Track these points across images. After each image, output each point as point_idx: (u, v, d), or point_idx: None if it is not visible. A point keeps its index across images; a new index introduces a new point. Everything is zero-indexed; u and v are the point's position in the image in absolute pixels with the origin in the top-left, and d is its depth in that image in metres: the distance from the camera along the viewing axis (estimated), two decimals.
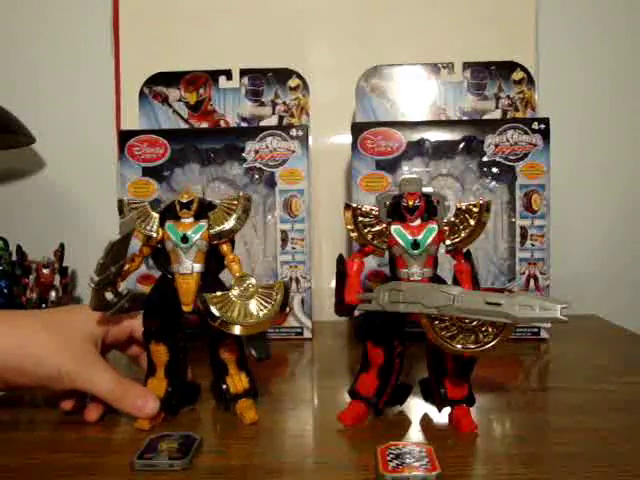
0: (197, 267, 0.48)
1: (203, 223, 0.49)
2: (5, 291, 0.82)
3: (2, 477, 0.40)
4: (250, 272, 0.78)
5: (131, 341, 0.54)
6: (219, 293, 0.47)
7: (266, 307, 0.46)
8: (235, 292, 0.47)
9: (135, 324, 0.51)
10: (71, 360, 0.46)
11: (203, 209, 0.49)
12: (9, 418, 0.51)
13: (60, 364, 0.46)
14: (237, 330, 0.46)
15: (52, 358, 0.46)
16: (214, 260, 0.50)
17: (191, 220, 0.49)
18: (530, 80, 0.86)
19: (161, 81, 0.89)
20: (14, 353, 0.45)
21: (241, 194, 0.51)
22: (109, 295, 0.48)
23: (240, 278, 0.47)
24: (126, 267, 0.49)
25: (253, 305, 0.46)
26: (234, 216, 0.49)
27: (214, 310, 0.46)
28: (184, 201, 0.49)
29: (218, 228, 0.49)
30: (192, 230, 0.48)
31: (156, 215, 0.49)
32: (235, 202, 0.50)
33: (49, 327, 0.48)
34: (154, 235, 0.49)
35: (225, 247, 0.50)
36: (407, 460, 0.39)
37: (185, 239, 0.48)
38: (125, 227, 0.47)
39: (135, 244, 0.49)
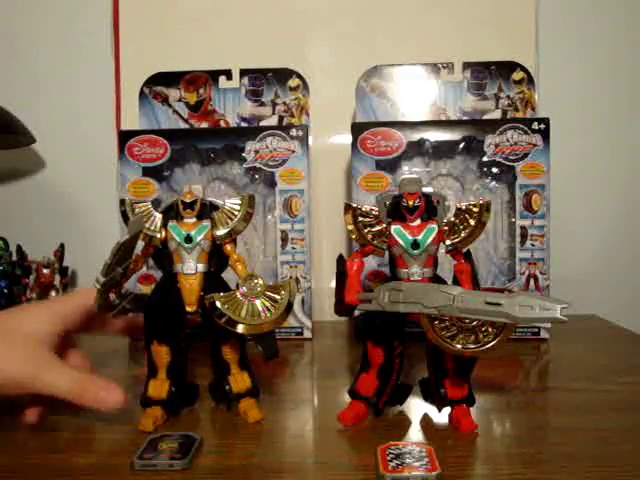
0: (201, 267, 0.49)
1: (206, 223, 0.49)
2: (5, 291, 0.82)
3: (2, 477, 0.40)
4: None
5: (91, 317, 0.50)
6: (226, 292, 0.47)
7: (273, 307, 0.46)
8: (242, 291, 0.47)
9: (83, 297, 0.48)
10: (23, 365, 0.44)
11: (205, 209, 0.49)
12: (9, 418, 0.51)
13: (11, 370, 0.43)
14: (243, 329, 0.46)
15: (1, 365, 0.43)
16: (217, 260, 0.50)
17: (194, 220, 0.49)
18: (530, 80, 0.86)
19: (161, 81, 0.89)
20: None
21: (245, 194, 0.51)
22: (112, 296, 0.48)
23: (248, 277, 0.47)
24: (130, 267, 0.49)
25: (259, 305, 0.46)
26: (238, 216, 0.49)
27: (221, 308, 0.46)
28: (188, 201, 0.49)
29: (222, 228, 0.49)
30: (196, 230, 0.48)
31: (159, 215, 0.49)
32: (239, 202, 0.50)
33: None
34: (158, 235, 0.49)
35: (229, 247, 0.50)
36: (407, 460, 0.39)
37: (189, 239, 0.48)
38: (133, 228, 0.47)
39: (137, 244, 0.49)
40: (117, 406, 0.46)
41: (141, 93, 0.89)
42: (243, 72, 0.89)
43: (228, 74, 0.89)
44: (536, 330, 0.76)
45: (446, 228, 0.47)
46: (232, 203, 0.50)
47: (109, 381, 0.47)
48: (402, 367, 0.49)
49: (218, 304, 0.46)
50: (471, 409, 0.48)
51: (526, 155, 0.76)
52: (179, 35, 0.95)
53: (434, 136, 0.79)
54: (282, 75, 0.89)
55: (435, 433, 0.47)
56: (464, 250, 0.48)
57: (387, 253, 0.48)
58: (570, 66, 0.97)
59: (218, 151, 0.82)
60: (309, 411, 0.54)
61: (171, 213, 0.49)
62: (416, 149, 0.79)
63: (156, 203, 0.51)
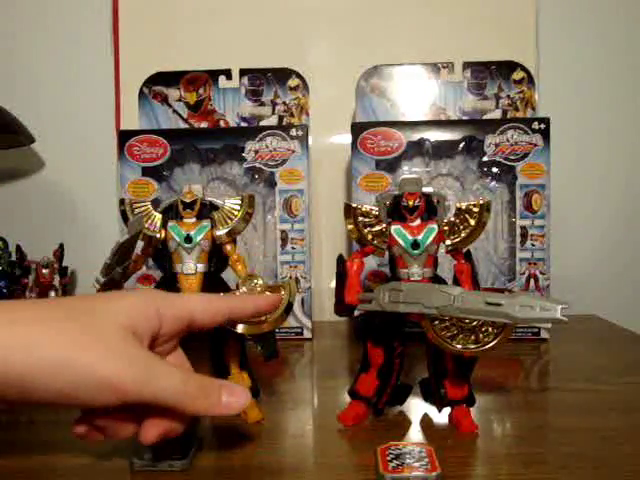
0: (200, 267, 0.48)
1: (206, 223, 0.49)
2: (4, 291, 0.81)
3: (2, 478, 0.40)
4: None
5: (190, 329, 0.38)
6: (226, 292, 0.47)
7: None
8: (242, 291, 0.47)
9: (194, 303, 0.38)
10: (127, 367, 0.32)
11: (205, 209, 0.49)
12: (9, 418, 0.51)
13: (113, 375, 0.31)
14: (243, 329, 0.46)
15: (84, 359, 0.31)
16: (216, 260, 0.50)
17: (194, 220, 0.49)
18: (530, 80, 0.86)
19: (161, 81, 0.89)
20: (18, 359, 0.30)
21: (245, 194, 0.51)
22: None
23: (247, 277, 0.47)
24: (130, 268, 0.49)
25: None
26: (238, 216, 0.49)
27: None
28: (187, 201, 0.49)
29: (222, 228, 0.49)
30: (195, 230, 0.48)
31: (159, 215, 0.49)
32: (239, 202, 0.50)
33: (73, 317, 0.32)
34: (157, 235, 0.49)
35: (229, 247, 0.50)
36: (407, 460, 0.39)
37: (189, 239, 0.48)
38: (133, 227, 0.47)
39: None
40: (241, 410, 0.37)
41: (141, 93, 0.89)
42: (243, 72, 0.89)
43: (228, 74, 0.89)
44: (536, 330, 0.76)
45: (446, 228, 0.47)
46: (232, 203, 0.50)
47: (225, 381, 0.39)
48: (402, 367, 0.49)
49: None
50: (471, 409, 0.48)
51: (526, 155, 0.76)
52: (179, 35, 0.95)
53: (434, 136, 0.79)
54: (282, 75, 0.89)
55: (435, 433, 0.47)
56: (464, 250, 0.48)
57: (387, 253, 0.48)
58: (570, 66, 0.97)
59: (218, 151, 0.82)
60: (309, 411, 0.54)
61: (170, 213, 0.49)
62: (416, 149, 0.79)
63: (155, 203, 0.51)
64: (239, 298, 0.44)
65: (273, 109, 0.90)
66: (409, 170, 0.78)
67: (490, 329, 0.42)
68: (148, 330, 0.35)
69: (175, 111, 0.90)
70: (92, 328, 0.32)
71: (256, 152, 0.79)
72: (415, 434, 0.47)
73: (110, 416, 0.35)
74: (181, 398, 0.34)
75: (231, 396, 0.36)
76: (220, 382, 0.37)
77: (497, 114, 0.87)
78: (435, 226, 0.47)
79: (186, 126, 0.90)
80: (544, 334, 0.76)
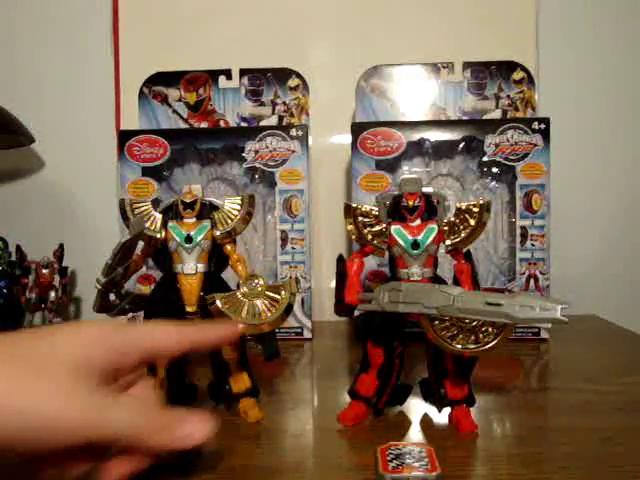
0: (201, 267, 0.49)
1: (206, 223, 0.49)
2: (4, 291, 0.81)
3: (2, 478, 0.40)
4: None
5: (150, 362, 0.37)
6: (227, 292, 0.47)
7: (273, 307, 0.46)
8: (243, 291, 0.47)
9: (154, 335, 0.36)
10: (79, 407, 0.30)
11: (205, 209, 0.49)
12: None
13: (64, 414, 0.30)
14: (243, 329, 0.46)
15: (29, 402, 0.29)
16: (216, 260, 0.50)
17: (194, 220, 0.49)
18: (530, 80, 0.86)
19: (161, 81, 0.89)
20: None
21: (245, 194, 0.51)
22: (111, 296, 0.48)
23: (249, 277, 0.48)
24: (130, 268, 0.49)
25: (260, 305, 0.47)
26: (238, 216, 0.49)
27: (222, 308, 0.46)
28: (188, 201, 0.49)
29: (222, 228, 0.49)
30: (196, 230, 0.48)
31: (159, 215, 0.49)
32: (239, 202, 0.50)
33: (19, 354, 0.31)
34: (158, 235, 0.49)
35: (229, 247, 0.50)
36: (407, 460, 0.39)
37: (189, 239, 0.48)
38: (134, 228, 0.47)
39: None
40: (203, 440, 0.35)
41: (141, 93, 0.89)
42: (243, 72, 0.89)
43: (228, 74, 0.89)
44: (536, 330, 0.76)
45: (446, 228, 0.47)
46: (232, 203, 0.50)
47: (184, 411, 0.35)
48: (402, 367, 0.49)
49: (219, 304, 0.46)
50: (471, 409, 0.48)
51: (526, 155, 0.76)
52: (179, 35, 0.95)
53: (434, 136, 0.79)
54: (282, 75, 0.89)
55: (435, 433, 0.47)
56: (464, 250, 0.48)
57: (387, 253, 0.48)
58: (570, 66, 0.97)
59: (218, 151, 0.82)
60: (309, 411, 0.54)
61: (170, 213, 0.49)
62: (416, 149, 0.79)
63: (155, 203, 0.51)
64: (200, 328, 0.41)
65: (273, 109, 0.90)
66: (409, 170, 0.78)
67: (490, 329, 0.42)
68: (104, 363, 0.33)
69: (175, 111, 0.90)
70: (38, 367, 0.30)
71: (256, 152, 0.79)
72: (415, 434, 0.47)
73: (59, 456, 0.32)
74: (137, 433, 0.32)
75: (191, 427, 0.34)
76: (179, 413, 0.35)
77: (497, 114, 0.87)
78: (435, 226, 0.47)
79: (186, 126, 0.90)
80: (544, 334, 0.76)
